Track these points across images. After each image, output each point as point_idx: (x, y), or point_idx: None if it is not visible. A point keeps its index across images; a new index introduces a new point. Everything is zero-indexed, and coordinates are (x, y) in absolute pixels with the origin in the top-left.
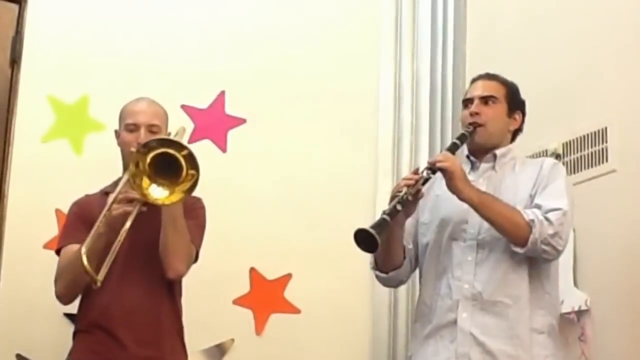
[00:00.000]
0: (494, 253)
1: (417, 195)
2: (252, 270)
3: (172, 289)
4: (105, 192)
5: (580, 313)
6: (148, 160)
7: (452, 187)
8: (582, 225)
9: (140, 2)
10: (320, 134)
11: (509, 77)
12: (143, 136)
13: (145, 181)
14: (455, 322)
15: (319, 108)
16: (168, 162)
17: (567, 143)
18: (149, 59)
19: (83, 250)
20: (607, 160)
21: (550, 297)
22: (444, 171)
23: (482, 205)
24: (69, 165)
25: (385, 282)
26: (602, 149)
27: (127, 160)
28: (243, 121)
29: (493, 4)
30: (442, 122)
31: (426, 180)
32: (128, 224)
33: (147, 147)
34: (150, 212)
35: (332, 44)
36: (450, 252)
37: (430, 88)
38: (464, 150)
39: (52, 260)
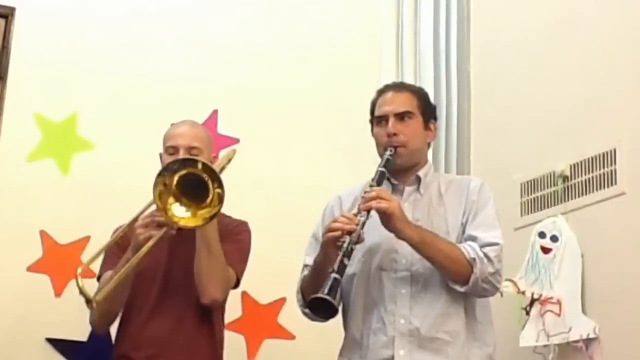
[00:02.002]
0: (430, 286)
1: (358, 241)
2: (244, 294)
3: (209, 317)
4: None
5: (588, 341)
6: (175, 180)
7: (390, 227)
8: (590, 250)
9: (131, 20)
10: (316, 155)
11: (516, 98)
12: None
13: (171, 199)
14: (392, 359)
15: (315, 128)
16: (197, 184)
17: (574, 165)
18: (140, 77)
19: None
20: (616, 183)
21: (482, 326)
22: (384, 214)
23: (423, 244)
24: (55, 185)
25: (314, 318)
26: (611, 170)
27: None
28: (236, 141)
29: (497, 23)
30: (446, 145)
31: (364, 223)
32: (145, 249)
33: (167, 170)
34: (186, 239)
35: (331, 64)
36: (380, 283)
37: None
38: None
39: (36, 284)
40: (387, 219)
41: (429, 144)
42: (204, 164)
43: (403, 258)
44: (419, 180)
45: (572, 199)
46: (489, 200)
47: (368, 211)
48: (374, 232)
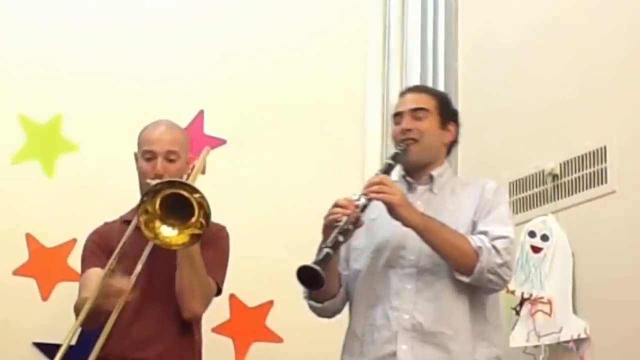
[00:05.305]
0: (435, 281)
1: (357, 224)
2: (232, 297)
3: (188, 326)
4: (124, 221)
5: (579, 342)
6: (157, 203)
7: (394, 215)
8: (581, 249)
9: (115, 20)
10: (303, 156)
11: (504, 95)
12: (159, 166)
13: (157, 223)
14: (394, 354)
15: (302, 128)
16: (180, 203)
17: (564, 163)
18: (125, 77)
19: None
20: (606, 181)
21: (492, 327)
22: (383, 202)
23: (428, 232)
24: (40, 188)
25: (320, 313)
26: (602, 169)
27: (142, 188)
28: (223, 142)
29: (485, 20)
30: None
31: (365, 207)
32: (139, 267)
33: (152, 192)
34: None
35: (316, 61)
36: (387, 280)
37: None
38: (400, 170)
39: (22, 288)
40: (390, 208)
41: (449, 148)
42: (182, 183)
43: (411, 254)
44: (432, 179)
45: (562, 197)
46: (503, 201)
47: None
48: (384, 229)
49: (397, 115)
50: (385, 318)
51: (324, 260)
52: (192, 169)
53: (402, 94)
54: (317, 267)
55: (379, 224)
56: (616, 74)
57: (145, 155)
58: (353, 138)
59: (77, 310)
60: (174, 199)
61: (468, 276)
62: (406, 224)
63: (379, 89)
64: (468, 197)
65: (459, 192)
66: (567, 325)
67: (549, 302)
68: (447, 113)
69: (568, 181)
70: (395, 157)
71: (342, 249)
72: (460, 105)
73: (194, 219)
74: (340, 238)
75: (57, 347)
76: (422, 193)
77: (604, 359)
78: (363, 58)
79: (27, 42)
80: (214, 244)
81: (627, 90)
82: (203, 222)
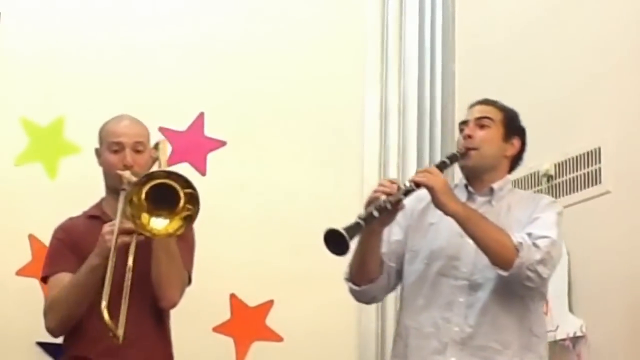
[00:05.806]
0: (486, 295)
1: (397, 205)
2: (233, 296)
3: (162, 318)
4: (89, 216)
5: (575, 339)
6: (143, 193)
7: (436, 202)
8: (576, 249)
9: (117, 23)
10: (303, 157)
11: (500, 97)
12: (129, 157)
13: (145, 216)
14: None
15: (302, 130)
16: (163, 191)
17: (559, 164)
18: (126, 79)
19: (103, 304)
20: (600, 182)
21: (538, 339)
22: (425, 186)
23: (469, 221)
24: (43, 190)
25: (358, 296)
26: (596, 169)
27: (110, 181)
28: (223, 143)
29: (482, 22)
30: (430, 144)
31: (408, 191)
32: (130, 260)
33: (146, 177)
34: (138, 240)
35: (316, 64)
36: (439, 288)
37: (418, 109)
38: (462, 178)
39: (25, 288)
40: (432, 194)
41: (512, 163)
42: (168, 172)
43: (464, 267)
44: (492, 191)
45: (557, 198)
46: (554, 212)
47: (416, 184)
48: (442, 235)
49: (463, 124)
50: (434, 326)
51: (353, 228)
52: (157, 160)
53: (472, 105)
54: (344, 232)
55: (437, 230)
56: (611, 76)
57: (113, 147)
58: (352, 139)
59: (51, 308)
60: (156, 190)
61: (506, 270)
62: (447, 211)
63: (377, 91)
64: (522, 212)
65: (514, 207)
66: (563, 323)
67: (545, 301)
68: (513, 127)
69: (563, 182)
70: (452, 157)
71: (397, 246)
72: (457, 107)
73: (180, 206)
74: (375, 213)
75: (60, 346)
76: (480, 204)
77: (600, 357)
78: (361, 60)
79: (29, 46)
80: (184, 234)
81: (622, 91)
82: (190, 206)
